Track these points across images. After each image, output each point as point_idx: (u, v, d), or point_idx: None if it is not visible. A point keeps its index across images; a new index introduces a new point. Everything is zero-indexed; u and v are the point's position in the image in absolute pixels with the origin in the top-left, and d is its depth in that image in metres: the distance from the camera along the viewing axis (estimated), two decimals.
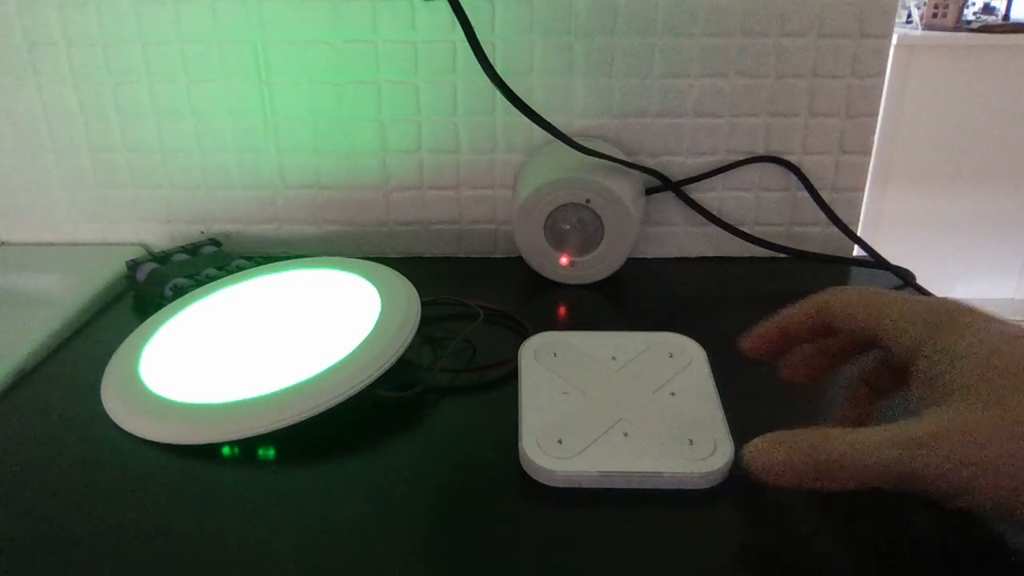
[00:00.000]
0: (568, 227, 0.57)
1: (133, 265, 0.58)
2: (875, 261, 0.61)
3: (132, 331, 0.49)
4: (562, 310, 0.57)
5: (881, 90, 0.61)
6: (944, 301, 0.33)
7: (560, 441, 0.38)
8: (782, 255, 0.63)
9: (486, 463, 0.39)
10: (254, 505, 0.36)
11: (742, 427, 0.39)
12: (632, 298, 0.59)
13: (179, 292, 0.53)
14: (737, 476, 0.37)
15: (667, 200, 0.64)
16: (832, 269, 0.63)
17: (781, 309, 0.38)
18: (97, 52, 0.60)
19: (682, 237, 0.65)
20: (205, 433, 0.40)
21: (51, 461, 0.39)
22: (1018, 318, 1.98)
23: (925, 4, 2.04)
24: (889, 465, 0.29)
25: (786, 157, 0.62)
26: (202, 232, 0.65)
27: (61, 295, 0.55)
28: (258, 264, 0.56)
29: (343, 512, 0.36)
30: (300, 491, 0.37)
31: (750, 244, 0.63)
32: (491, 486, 0.37)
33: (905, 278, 0.60)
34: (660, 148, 0.63)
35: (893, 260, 0.61)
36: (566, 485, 0.37)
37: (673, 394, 0.42)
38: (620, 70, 0.60)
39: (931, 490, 0.29)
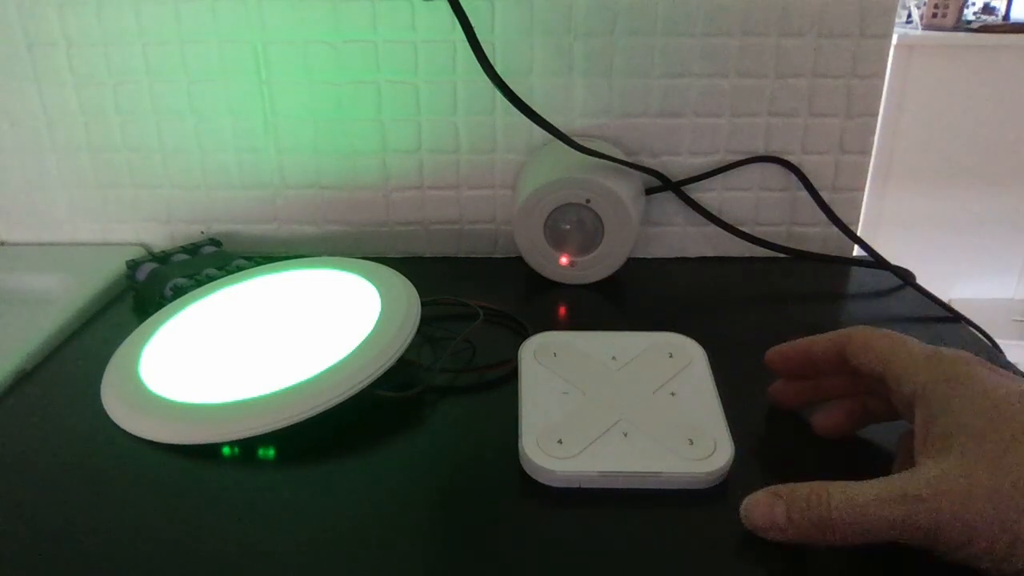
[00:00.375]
0: (568, 227, 0.57)
1: (133, 265, 0.58)
2: (875, 261, 0.61)
3: (132, 331, 0.49)
4: (562, 310, 0.57)
5: (881, 90, 0.61)
6: (948, 351, 0.34)
7: (560, 441, 0.38)
8: (782, 255, 0.63)
9: (486, 463, 0.39)
10: (254, 505, 0.36)
11: (742, 427, 0.39)
12: (632, 298, 0.59)
13: (179, 292, 0.53)
14: (737, 476, 0.37)
15: (667, 200, 0.64)
16: (832, 269, 0.63)
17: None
18: (97, 52, 0.60)
19: (682, 237, 0.65)
20: (205, 433, 0.40)
21: (51, 461, 0.39)
22: (1018, 318, 1.98)
23: (925, 4, 2.04)
24: (889, 520, 0.29)
25: (786, 157, 0.62)
26: (202, 232, 0.65)
27: (61, 295, 0.56)
28: (258, 264, 0.56)
29: (343, 512, 0.36)
30: (300, 491, 0.37)
31: (750, 244, 0.63)
32: (491, 486, 0.37)
33: (905, 278, 0.60)
34: (660, 148, 0.62)
35: (893, 260, 0.61)
36: (566, 485, 0.37)
37: (673, 394, 0.42)
38: (620, 70, 0.60)
39: (930, 544, 0.29)
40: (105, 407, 0.43)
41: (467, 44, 0.53)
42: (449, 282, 0.61)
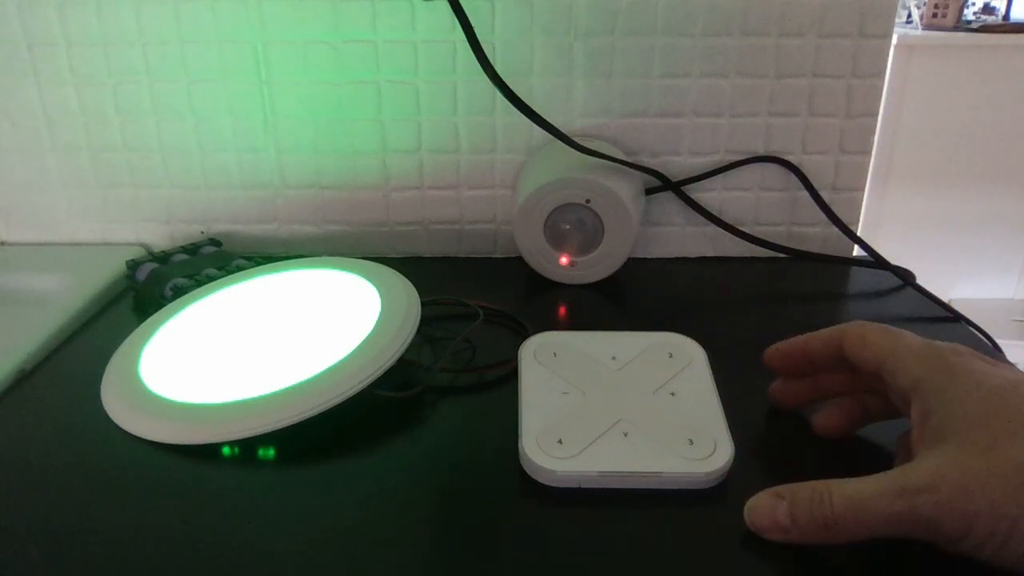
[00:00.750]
0: (568, 227, 0.57)
1: (133, 265, 0.58)
2: (875, 261, 0.61)
3: (132, 331, 0.49)
4: (562, 310, 0.57)
5: (881, 90, 0.61)
6: (943, 344, 0.34)
7: (560, 441, 0.38)
8: (782, 255, 0.63)
9: (486, 463, 0.39)
10: (254, 505, 0.36)
11: (742, 427, 0.39)
12: (632, 298, 0.59)
13: (179, 292, 0.53)
14: (737, 476, 0.37)
15: (667, 200, 0.64)
16: (832, 269, 0.63)
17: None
18: (97, 52, 0.60)
19: (682, 237, 0.65)
20: (205, 433, 0.40)
21: (51, 461, 0.39)
22: (1018, 318, 1.98)
23: (925, 4, 2.04)
24: (891, 514, 0.30)
25: (786, 157, 0.62)
26: (202, 232, 0.65)
27: (61, 295, 0.55)
28: (258, 264, 0.56)
29: (343, 512, 0.36)
30: (300, 491, 0.37)
31: (750, 244, 0.63)
32: (491, 486, 0.37)
33: (905, 278, 0.60)
34: (660, 148, 0.62)
35: (893, 260, 0.61)
36: (566, 485, 0.37)
37: (673, 394, 0.42)
38: (620, 70, 0.60)
39: (931, 536, 0.30)
40: (105, 407, 0.43)
41: (467, 44, 0.53)
42: (449, 282, 0.61)
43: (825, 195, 0.63)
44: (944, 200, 2.01)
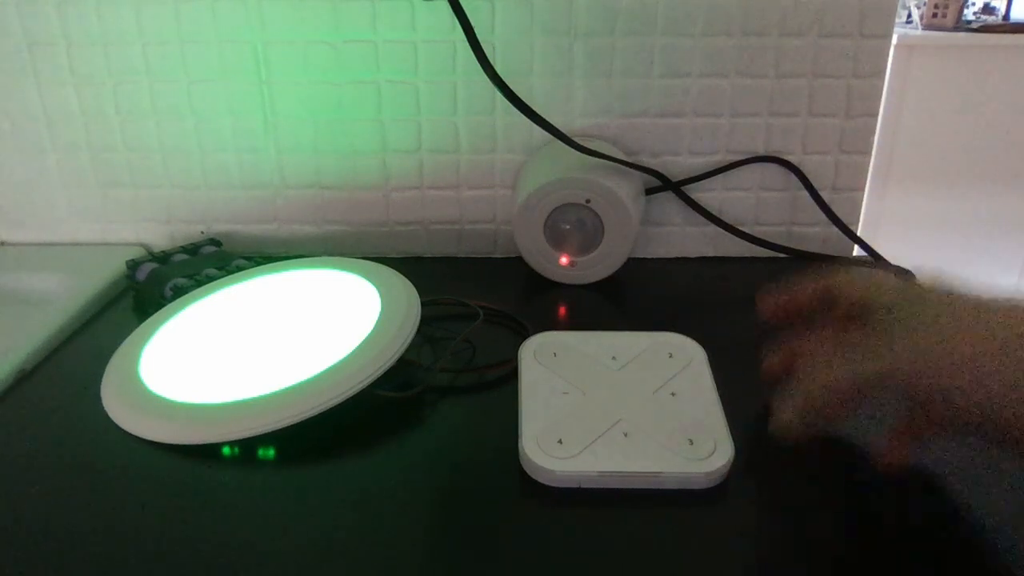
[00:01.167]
0: (568, 227, 0.57)
1: (133, 265, 0.58)
2: (875, 261, 0.61)
3: (132, 331, 0.49)
4: (562, 310, 0.57)
5: (881, 90, 0.61)
6: (923, 282, 0.37)
7: (560, 441, 0.38)
8: (782, 255, 0.63)
9: (486, 463, 0.39)
10: (254, 505, 0.36)
11: (742, 427, 0.39)
12: (632, 298, 0.59)
13: (179, 292, 0.53)
14: (737, 476, 0.37)
15: (667, 200, 0.64)
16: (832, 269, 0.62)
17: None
18: (97, 52, 0.60)
19: (682, 237, 0.65)
20: (205, 433, 0.40)
21: (51, 461, 0.39)
22: None
23: (925, 4, 2.04)
24: (875, 374, 0.33)
25: (786, 157, 0.62)
26: (202, 232, 0.65)
27: (61, 295, 0.55)
28: (258, 264, 0.56)
29: (343, 512, 0.36)
30: (300, 491, 0.37)
31: (750, 244, 0.63)
32: (491, 486, 0.37)
33: (905, 278, 0.60)
34: (660, 148, 0.62)
35: (893, 260, 0.61)
36: (566, 485, 0.37)
37: (673, 394, 0.42)
38: (620, 70, 0.60)
39: (913, 391, 0.32)
40: (105, 407, 0.43)
41: (467, 44, 0.53)
42: (449, 282, 0.61)
43: (825, 195, 0.63)
44: (944, 200, 2.01)
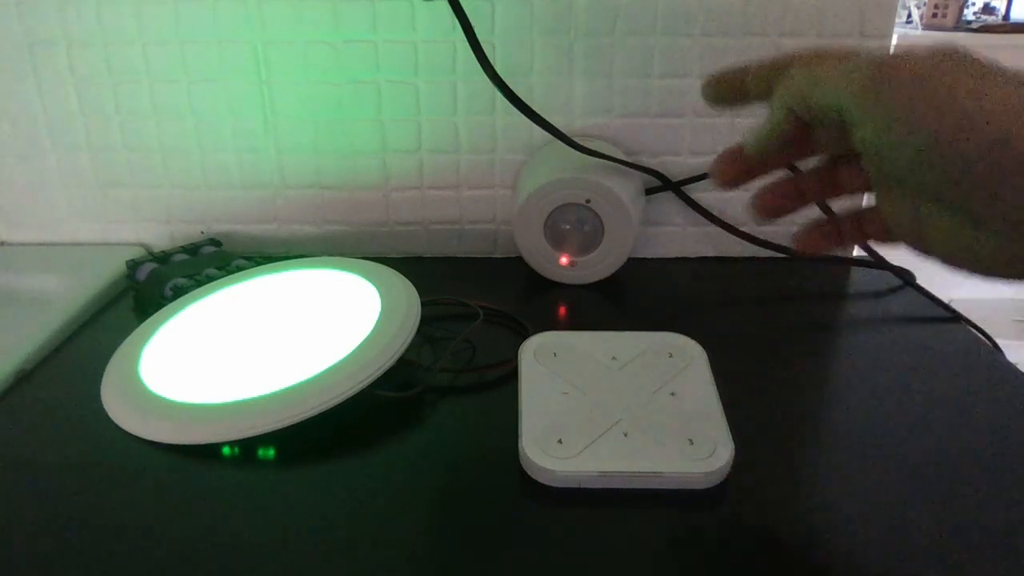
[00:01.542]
0: (568, 227, 0.57)
1: (133, 265, 0.58)
2: (875, 261, 0.61)
3: (132, 331, 0.49)
4: (562, 310, 0.57)
5: None
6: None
7: (560, 441, 0.38)
8: (782, 255, 0.63)
9: (486, 463, 0.39)
10: (254, 505, 0.36)
11: (742, 427, 0.39)
12: (632, 298, 0.59)
13: (179, 292, 0.53)
14: (737, 476, 0.37)
15: (667, 200, 0.64)
16: (832, 269, 0.63)
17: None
18: (97, 52, 0.60)
19: (682, 237, 0.65)
20: (205, 433, 0.40)
21: (51, 461, 0.39)
22: (1018, 318, 1.98)
23: (925, 4, 2.04)
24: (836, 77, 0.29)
25: None
26: (202, 232, 0.65)
27: (61, 295, 0.55)
28: (258, 264, 0.56)
29: (343, 512, 0.36)
30: (300, 491, 0.37)
31: (750, 244, 0.63)
32: (491, 486, 0.37)
33: (905, 278, 0.60)
34: (660, 148, 0.62)
35: (893, 260, 0.61)
36: (566, 485, 0.37)
37: (673, 394, 0.42)
38: (620, 70, 0.60)
39: (850, 114, 0.28)
40: (105, 407, 0.43)
41: (467, 44, 0.53)
42: (449, 282, 0.61)
43: None
44: None
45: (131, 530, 0.34)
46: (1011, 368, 0.48)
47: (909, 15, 2.08)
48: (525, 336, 0.48)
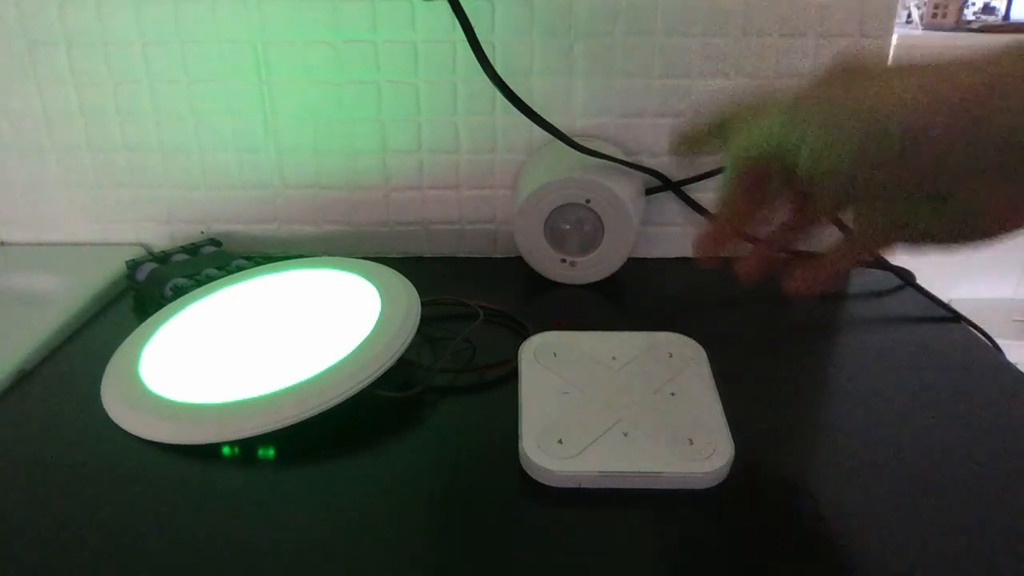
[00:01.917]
0: (568, 227, 0.57)
1: (133, 265, 0.58)
2: (875, 261, 0.61)
3: (132, 331, 0.49)
4: (562, 310, 0.57)
5: None
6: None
7: (560, 441, 0.38)
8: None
9: (486, 463, 0.39)
10: (254, 505, 0.36)
11: (742, 427, 0.39)
12: (632, 298, 0.59)
13: (179, 292, 0.53)
14: (737, 476, 0.37)
15: (667, 200, 0.64)
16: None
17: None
18: (97, 52, 0.60)
19: (682, 237, 0.65)
20: (205, 433, 0.40)
21: (51, 461, 0.39)
22: (1018, 318, 1.98)
23: (925, 4, 2.04)
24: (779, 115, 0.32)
25: None
26: (202, 232, 0.65)
27: (61, 295, 0.55)
28: (258, 264, 0.56)
29: (343, 512, 0.36)
30: (300, 491, 0.37)
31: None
32: (491, 486, 0.37)
33: (905, 278, 0.60)
34: (660, 148, 0.62)
35: (893, 260, 0.61)
36: (566, 485, 0.37)
37: (673, 394, 0.42)
38: (620, 70, 0.60)
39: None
40: (105, 407, 0.43)
41: (467, 44, 0.53)
42: (449, 282, 0.61)
43: None
44: None
45: (131, 530, 0.34)
46: (1011, 368, 0.48)
47: (909, 15, 2.08)
48: (525, 336, 0.48)
